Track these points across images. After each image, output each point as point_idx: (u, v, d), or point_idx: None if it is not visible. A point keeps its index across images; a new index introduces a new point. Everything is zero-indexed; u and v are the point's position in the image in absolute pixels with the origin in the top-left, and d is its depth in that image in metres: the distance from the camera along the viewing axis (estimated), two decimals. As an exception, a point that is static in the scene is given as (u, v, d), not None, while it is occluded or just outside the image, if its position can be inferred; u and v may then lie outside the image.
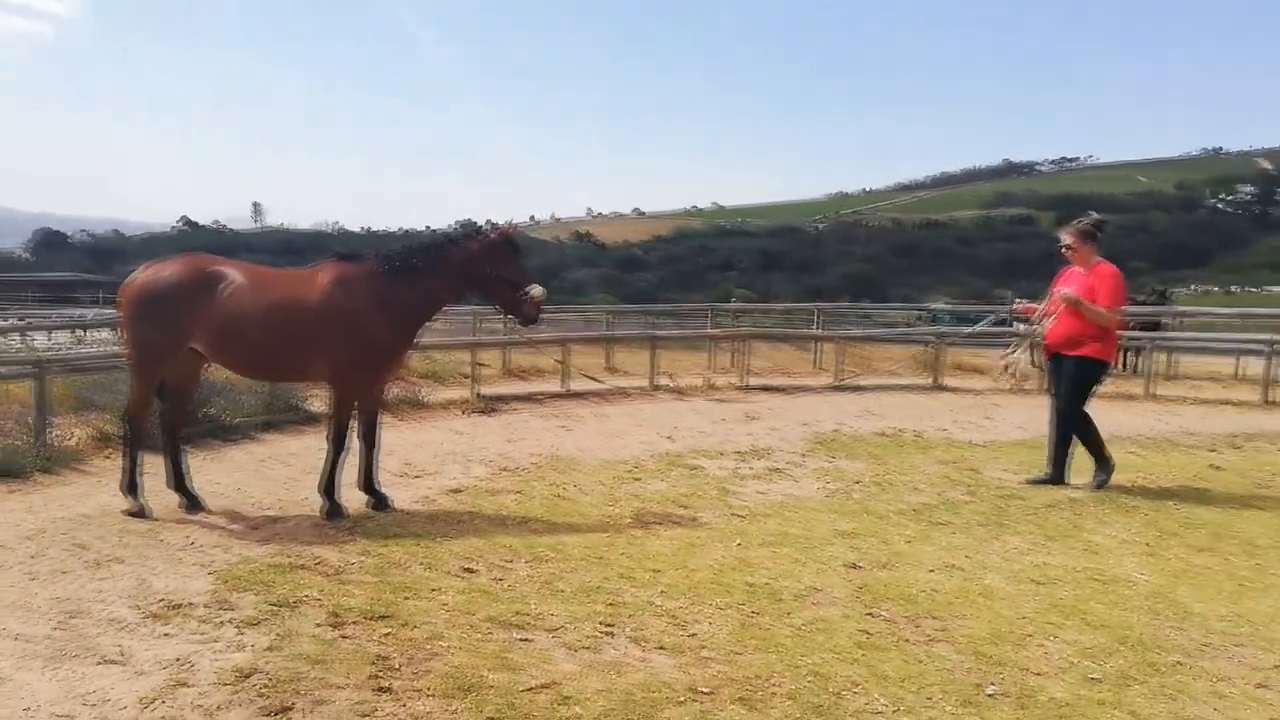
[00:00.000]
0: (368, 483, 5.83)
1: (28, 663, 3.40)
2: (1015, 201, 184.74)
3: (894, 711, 3.05)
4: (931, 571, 4.50)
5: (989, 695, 3.18)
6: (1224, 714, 3.08)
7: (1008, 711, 3.07)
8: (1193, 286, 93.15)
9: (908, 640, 3.64)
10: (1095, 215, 6.75)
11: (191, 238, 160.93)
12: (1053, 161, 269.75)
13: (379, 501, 5.78)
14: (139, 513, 5.54)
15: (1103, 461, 6.43)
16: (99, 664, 3.39)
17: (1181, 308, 19.43)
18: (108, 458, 7.49)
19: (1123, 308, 6.62)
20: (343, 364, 5.54)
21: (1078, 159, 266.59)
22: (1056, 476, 6.44)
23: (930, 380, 12.88)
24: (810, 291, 74.65)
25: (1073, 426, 6.40)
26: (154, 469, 6.14)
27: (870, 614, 3.91)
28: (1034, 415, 10.17)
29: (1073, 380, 6.35)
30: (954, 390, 12.48)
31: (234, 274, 5.57)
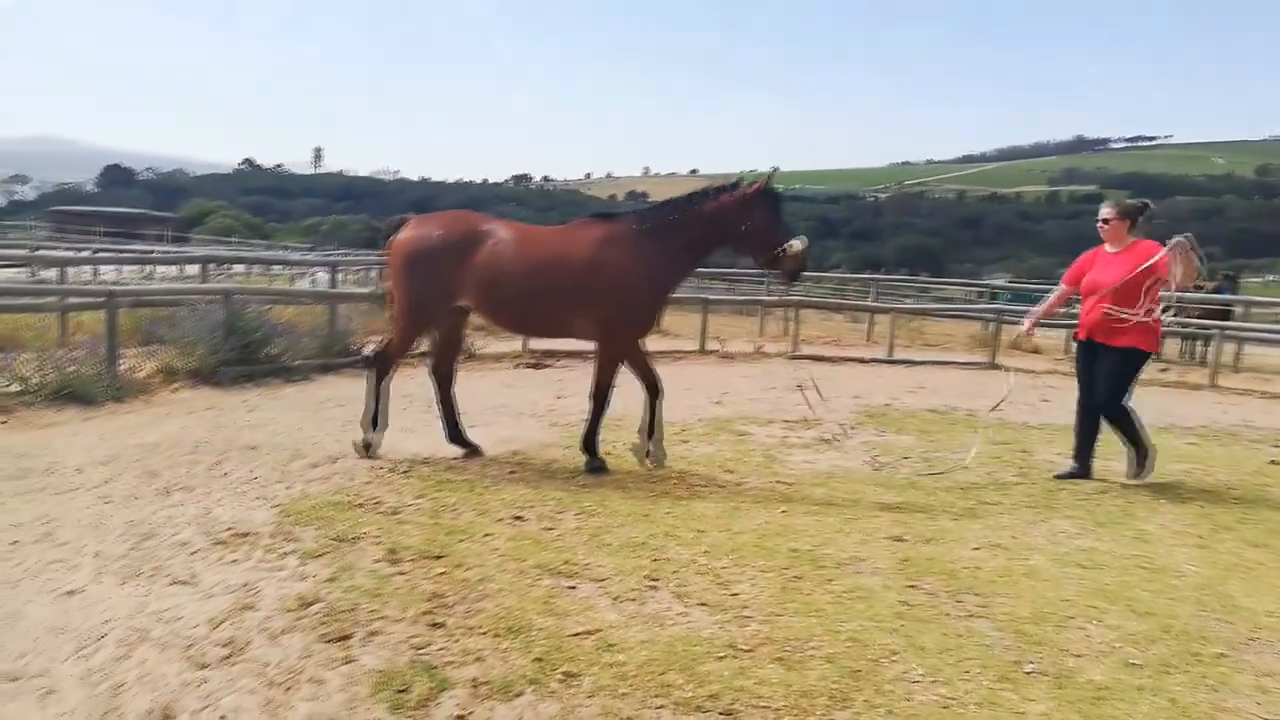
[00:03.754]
0: (588, 442, 5.80)
1: (105, 579, 3.61)
2: (1084, 178, 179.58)
3: (930, 681, 3.10)
4: (976, 549, 4.51)
5: (1026, 673, 3.21)
6: (1266, 709, 3.06)
7: (1044, 689, 3.10)
8: (1267, 277, 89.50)
9: (948, 614, 3.68)
10: (1148, 201, 6.35)
11: (251, 178, 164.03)
12: (1127, 139, 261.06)
13: (594, 464, 5.72)
14: (369, 446, 5.73)
15: (1143, 451, 6.07)
16: (171, 584, 3.58)
17: (1253, 297, 18.81)
18: (174, 391, 7.79)
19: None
20: (608, 322, 5.59)
21: (1154, 138, 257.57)
22: (1083, 471, 6.13)
23: (986, 358, 12.70)
24: (866, 261, 73.52)
25: (1114, 422, 6.02)
26: (210, 405, 6.34)
27: (912, 586, 3.95)
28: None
29: (1115, 374, 5.89)
30: (1010, 370, 12.29)
31: (500, 231, 5.65)
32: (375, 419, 5.84)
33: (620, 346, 5.75)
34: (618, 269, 5.47)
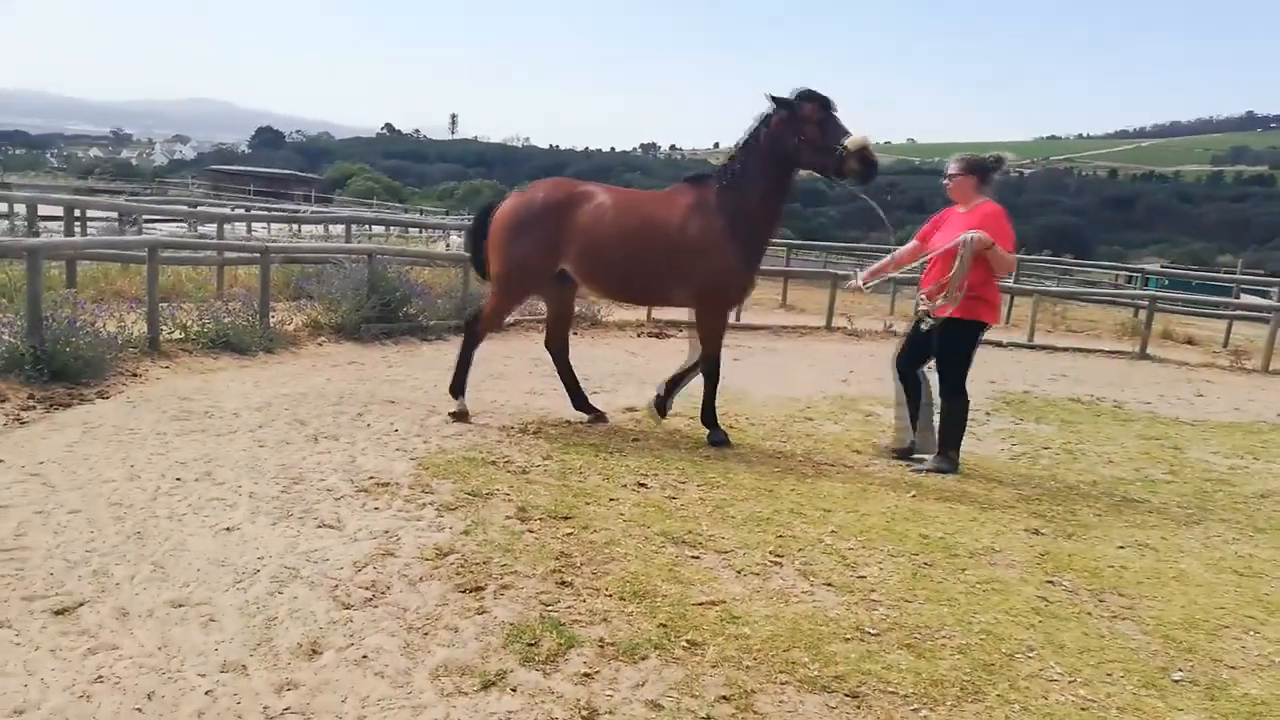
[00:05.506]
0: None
1: (259, 518, 3.84)
2: (1253, 158, 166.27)
3: (1069, 681, 2.96)
4: (1121, 548, 4.27)
5: (1175, 681, 3.03)
6: None
7: (1194, 700, 2.92)
8: None
9: (1089, 613, 3.50)
10: (1003, 155, 5.56)
11: (391, 142, 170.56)
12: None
13: (717, 437, 5.69)
14: (462, 415, 5.77)
15: (952, 449, 5.39)
16: (319, 527, 3.78)
17: None
18: (319, 345, 8.19)
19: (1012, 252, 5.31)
20: (703, 294, 5.53)
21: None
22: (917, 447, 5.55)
23: (1135, 347, 11.97)
24: (1004, 241, 69.98)
25: (950, 399, 5.32)
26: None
27: (1050, 582, 3.78)
28: (1253, 395, 9.32)
29: (949, 346, 5.25)
30: (1161, 361, 11.56)
31: (600, 195, 5.64)
32: (460, 387, 5.87)
33: (719, 317, 5.69)
34: (703, 238, 5.35)
